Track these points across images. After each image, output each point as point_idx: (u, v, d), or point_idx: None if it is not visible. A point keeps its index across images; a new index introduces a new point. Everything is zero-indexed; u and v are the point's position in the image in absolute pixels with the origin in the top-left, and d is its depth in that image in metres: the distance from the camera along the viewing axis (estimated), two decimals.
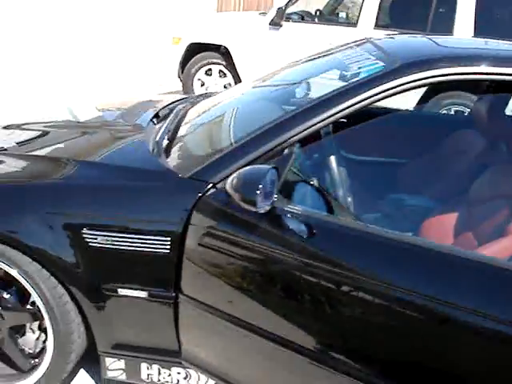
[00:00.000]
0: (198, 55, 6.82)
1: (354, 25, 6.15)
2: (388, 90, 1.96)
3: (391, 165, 2.88)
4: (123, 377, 2.20)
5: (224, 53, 6.69)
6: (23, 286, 2.10)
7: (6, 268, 2.06)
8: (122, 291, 2.04)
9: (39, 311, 2.11)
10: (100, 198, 2.04)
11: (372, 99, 1.97)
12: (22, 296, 2.17)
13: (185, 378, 2.16)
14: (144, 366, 2.16)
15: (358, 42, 2.89)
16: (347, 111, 1.96)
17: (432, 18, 5.87)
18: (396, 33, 5.82)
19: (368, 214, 2.40)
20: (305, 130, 1.96)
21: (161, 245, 1.96)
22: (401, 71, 1.98)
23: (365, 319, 1.73)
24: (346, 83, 2.08)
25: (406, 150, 2.86)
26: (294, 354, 1.82)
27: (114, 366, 2.18)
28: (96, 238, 2.00)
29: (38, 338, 2.24)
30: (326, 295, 1.76)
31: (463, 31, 5.72)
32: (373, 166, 2.87)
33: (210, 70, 6.87)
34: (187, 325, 2.04)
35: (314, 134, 2.04)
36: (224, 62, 6.74)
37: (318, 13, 6.82)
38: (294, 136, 1.96)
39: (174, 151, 2.25)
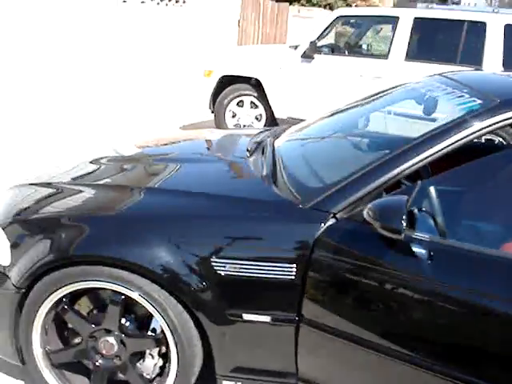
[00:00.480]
0: (230, 87, 7.01)
1: (385, 57, 6.35)
2: (489, 126, 2.12)
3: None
4: None
5: (255, 85, 6.88)
6: (145, 313, 2.21)
7: (135, 296, 2.17)
8: (246, 316, 2.14)
9: (163, 337, 2.21)
10: (227, 229, 2.16)
11: (474, 135, 2.12)
12: (141, 323, 2.27)
13: None
14: None
15: (429, 78, 3.05)
16: (454, 145, 2.11)
17: (462, 51, 6.09)
18: (429, 65, 6.06)
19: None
20: (419, 162, 2.10)
21: (286, 272, 2.08)
22: (501, 108, 2.14)
23: (496, 341, 1.85)
24: (449, 120, 2.23)
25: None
26: (417, 371, 1.93)
27: None
28: (224, 266, 2.11)
29: (155, 364, 2.32)
30: (457, 318, 1.88)
31: (492, 64, 5.94)
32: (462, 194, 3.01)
33: (241, 101, 7.05)
34: (306, 346, 2.14)
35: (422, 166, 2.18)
36: (255, 94, 6.93)
37: (346, 45, 7.03)
38: (410, 168, 2.10)
39: (284, 182, 2.38)
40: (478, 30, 5.99)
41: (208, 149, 3.27)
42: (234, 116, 7.12)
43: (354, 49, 6.89)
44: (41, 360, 2.30)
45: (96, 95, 6.65)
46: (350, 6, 18.17)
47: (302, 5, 16.12)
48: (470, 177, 2.88)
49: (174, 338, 2.18)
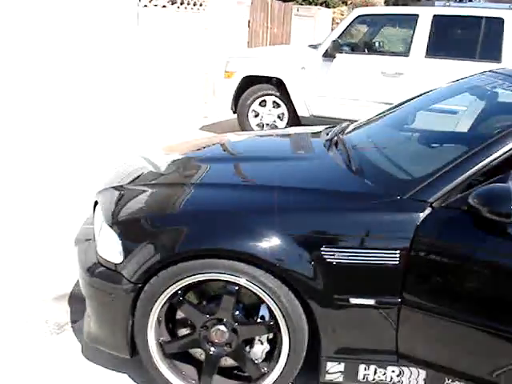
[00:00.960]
0: (253, 87, 7.18)
1: (406, 54, 6.55)
2: None
3: None
4: (340, 379, 2.46)
5: (277, 84, 7.06)
6: (254, 302, 2.38)
7: (251, 286, 2.33)
8: (353, 300, 2.32)
9: (273, 323, 2.38)
10: (334, 220, 2.34)
11: None
12: (251, 311, 2.44)
13: (398, 375, 2.43)
14: (362, 367, 2.42)
15: (481, 76, 3.24)
16: None
17: (480, 47, 6.31)
18: (449, 61, 6.25)
19: None
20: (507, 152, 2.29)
21: (391, 258, 2.26)
22: None
23: None
24: None
25: None
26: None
27: (334, 370, 2.44)
28: (333, 255, 2.29)
29: (263, 349, 2.48)
30: None
31: (511, 59, 6.15)
32: None
33: (264, 101, 7.23)
34: (407, 325, 2.32)
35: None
36: (278, 93, 7.11)
37: (366, 44, 7.21)
38: (498, 158, 2.28)
39: (376, 175, 2.56)
40: (495, 26, 6.21)
41: (273, 147, 3.44)
42: (256, 116, 7.29)
43: (374, 47, 7.09)
44: (155, 351, 2.45)
45: (117, 99, 6.77)
46: (346, 3, 18.43)
47: (299, 3, 16.33)
48: None
49: (286, 324, 2.35)
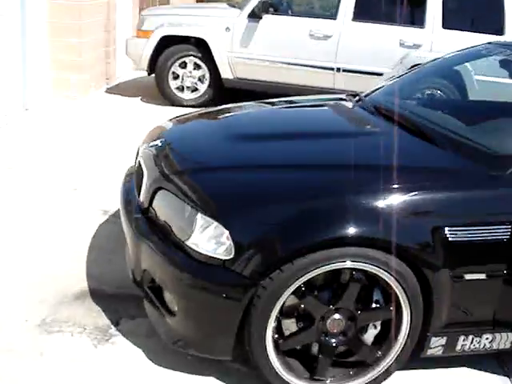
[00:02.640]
0: (172, 48, 6.75)
1: (334, 17, 6.55)
2: None
3: None
4: (440, 352, 2.46)
5: (198, 45, 6.70)
6: (371, 287, 2.27)
7: (379, 272, 2.21)
8: (467, 276, 2.30)
9: (395, 306, 2.29)
10: (452, 198, 2.30)
11: None
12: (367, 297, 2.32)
13: (490, 342, 2.48)
14: (461, 338, 2.44)
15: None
16: None
17: (404, 12, 6.50)
18: (375, 25, 6.38)
19: None
20: None
21: (503, 233, 2.28)
22: None
23: None
24: None
25: None
26: None
27: (436, 344, 2.43)
28: (456, 234, 2.24)
29: (376, 333, 2.38)
30: None
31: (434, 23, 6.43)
32: None
33: (184, 62, 6.83)
34: (507, 294, 2.37)
35: None
36: (199, 55, 6.76)
37: (294, 5, 7.08)
38: None
39: (467, 150, 2.53)
40: None
41: (323, 122, 3.21)
42: (176, 78, 6.89)
43: (302, 9, 6.99)
44: (271, 350, 2.24)
45: None
46: None
47: None
48: None
49: (409, 305, 2.28)
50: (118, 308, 2.82)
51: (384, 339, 2.37)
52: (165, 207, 2.44)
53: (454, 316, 2.38)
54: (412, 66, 6.41)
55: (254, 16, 6.55)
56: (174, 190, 2.42)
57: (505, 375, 2.65)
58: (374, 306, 2.32)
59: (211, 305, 2.20)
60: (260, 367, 2.26)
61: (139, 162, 2.79)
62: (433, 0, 6.39)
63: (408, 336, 2.34)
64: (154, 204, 2.50)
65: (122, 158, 4.41)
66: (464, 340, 2.46)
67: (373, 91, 3.55)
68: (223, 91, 6.95)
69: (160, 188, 2.49)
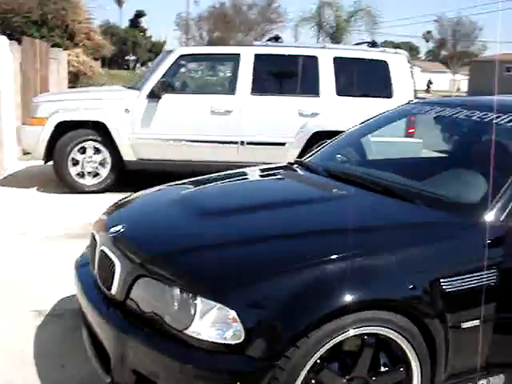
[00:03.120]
0: (69, 133, 6.48)
1: (232, 92, 6.67)
2: None
3: None
4: None
5: (96, 129, 6.50)
6: (378, 350, 2.19)
7: (392, 335, 2.15)
8: (464, 325, 2.30)
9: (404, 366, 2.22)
10: (440, 252, 2.33)
11: None
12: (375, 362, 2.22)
13: None
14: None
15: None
16: None
17: (300, 82, 6.82)
18: (273, 97, 6.60)
19: None
20: None
21: (490, 277, 2.34)
22: None
23: None
24: None
25: None
26: None
27: None
28: (451, 284, 2.26)
29: None
30: None
31: (327, 92, 6.77)
32: None
33: (83, 147, 6.57)
34: (499, 337, 2.41)
35: None
36: (98, 138, 6.55)
37: (192, 83, 7.12)
38: None
39: (437, 202, 2.60)
40: (311, 63, 6.78)
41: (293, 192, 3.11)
42: (75, 164, 6.59)
43: (201, 86, 7.04)
44: None
45: None
46: (78, 44, 17.85)
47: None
48: None
49: (419, 363, 2.22)
50: None
51: None
52: (150, 297, 2.21)
53: (456, 366, 2.36)
54: (313, 134, 6.73)
55: (154, 96, 6.50)
56: (158, 276, 2.21)
57: None
58: (383, 369, 2.23)
59: None
60: None
61: (102, 251, 2.54)
62: (325, 70, 6.73)
63: None
64: (134, 295, 2.27)
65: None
66: None
67: (310, 158, 3.62)
68: (126, 174, 6.75)
69: (139, 277, 2.27)
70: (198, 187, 3.10)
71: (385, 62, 6.89)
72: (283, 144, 6.80)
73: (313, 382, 2.09)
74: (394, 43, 63.72)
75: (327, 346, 2.04)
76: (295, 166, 3.48)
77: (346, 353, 2.14)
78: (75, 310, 3.46)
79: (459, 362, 2.36)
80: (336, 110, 6.80)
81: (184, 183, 3.28)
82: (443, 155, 3.46)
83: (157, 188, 3.33)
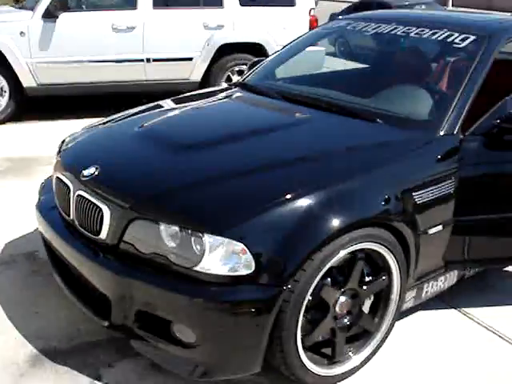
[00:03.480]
0: None
1: (134, 7, 6.34)
2: None
3: None
4: (411, 303, 2.73)
5: None
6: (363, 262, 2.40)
7: (379, 247, 2.36)
8: (430, 231, 2.56)
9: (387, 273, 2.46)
10: (413, 167, 2.55)
11: None
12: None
13: (443, 282, 2.83)
14: (425, 286, 2.73)
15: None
16: None
17: None
18: (175, 10, 6.36)
19: None
20: None
21: (450, 186, 2.59)
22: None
23: None
24: None
25: None
26: None
27: (409, 297, 2.68)
28: (421, 196, 2.48)
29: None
30: None
31: (231, 3, 6.64)
32: None
33: None
34: (456, 237, 2.70)
35: None
36: None
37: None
38: None
39: (399, 121, 2.78)
40: None
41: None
42: None
43: (100, 2, 6.58)
44: (301, 348, 2.23)
45: None
46: None
47: None
48: None
49: (399, 269, 2.46)
50: (87, 360, 2.52)
51: (377, 307, 2.52)
52: (149, 238, 2.22)
53: (424, 268, 2.64)
54: (220, 47, 6.63)
55: (50, 16, 6.02)
56: (155, 217, 2.22)
57: (451, 307, 3.02)
58: (370, 279, 2.44)
59: (239, 324, 2.10)
60: (292, 367, 2.25)
61: (80, 196, 2.46)
62: None
63: (399, 297, 2.53)
64: (128, 238, 2.27)
65: None
66: (427, 287, 2.75)
67: (249, 78, 3.63)
68: (27, 102, 6.35)
69: (132, 220, 2.26)
70: (153, 118, 3.02)
71: None
72: (190, 59, 6.66)
73: (311, 299, 2.26)
74: None
75: (328, 266, 2.19)
76: (239, 88, 3.48)
77: (340, 270, 2.32)
78: (26, 253, 3.39)
79: (426, 263, 2.63)
80: (241, 21, 6.73)
81: (131, 114, 3.19)
82: (380, 70, 3.56)
83: (104, 121, 3.22)
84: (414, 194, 2.45)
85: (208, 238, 2.10)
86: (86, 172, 2.51)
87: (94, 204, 2.38)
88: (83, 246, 2.42)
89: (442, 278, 2.82)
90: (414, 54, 3.33)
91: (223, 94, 3.41)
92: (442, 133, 2.65)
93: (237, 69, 6.85)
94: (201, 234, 2.11)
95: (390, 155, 2.54)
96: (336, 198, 2.25)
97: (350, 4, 13.05)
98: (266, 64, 3.77)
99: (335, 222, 2.17)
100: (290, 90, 3.25)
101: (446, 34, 3.10)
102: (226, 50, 6.71)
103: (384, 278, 2.46)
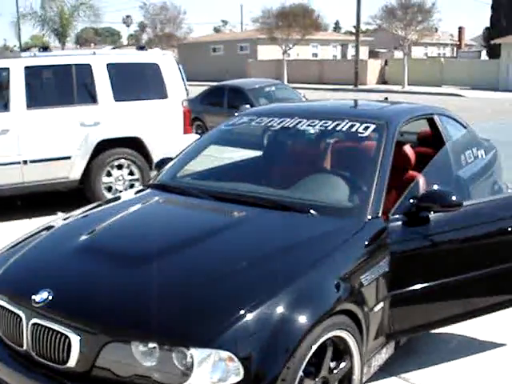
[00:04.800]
0: None
1: (7, 109, 6.13)
2: None
3: None
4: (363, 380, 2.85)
5: None
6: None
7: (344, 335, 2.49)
8: (375, 308, 2.78)
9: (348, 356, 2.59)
10: (352, 257, 2.74)
11: None
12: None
13: (385, 353, 3.03)
14: (373, 360, 2.89)
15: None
16: None
17: (76, 92, 6.55)
18: (51, 109, 6.27)
19: None
20: None
21: (385, 265, 2.83)
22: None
23: None
24: None
25: None
26: None
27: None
28: (366, 278, 2.70)
29: None
30: None
31: (104, 99, 6.68)
32: None
33: None
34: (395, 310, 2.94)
35: None
36: None
37: None
38: None
39: (322, 210, 3.00)
40: (84, 71, 6.57)
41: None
42: None
43: None
44: None
45: None
46: None
47: None
48: None
49: (359, 350, 2.61)
50: None
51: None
52: (127, 360, 2.14)
53: (371, 345, 2.81)
54: (98, 143, 6.59)
55: None
56: (132, 338, 2.15)
57: (391, 375, 3.22)
58: (335, 365, 2.54)
59: None
60: None
61: (37, 325, 2.31)
62: (100, 77, 6.60)
63: (360, 376, 2.68)
64: (102, 363, 2.17)
65: None
66: (374, 361, 2.92)
67: (160, 178, 3.69)
68: None
69: (106, 343, 2.17)
70: (89, 226, 2.94)
71: (156, 64, 7.04)
72: (69, 157, 6.53)
73: None
74: (95, 29, 63.23)
75: (307, 359, 2.28)
76: (154, 189, 3.51)
77: (313, 361, 2.40)
78: None
79: (373, 339, 2.81)
80: (116, 117, 6.76)
81: (63, 225, 3.09)
82: (295, 162, 3.78)
83: (36, 232, 3.07)
84: (360, 277, 2.64)
85: (195, 352, 2.09)
86: (37, 298, 2.37)
87: (58, 332, 2.26)
88: (45, 377, 2.26)
89: (384, 349, 3.00)
90: (324, 145, 3.63)
91: (148, 198, 3.40)
92: (369, 217, 2.89)
93: (116, 163, 6.82)
94: (185, 349, 2.09)
95: (331, 246, 2.69)
96: (298, 297, 2.35)
97: (205, 88, 13.55)
98: (176, 163, 3.84)
99: (305, 319, 2.27)
100: (216, 189, 3.35)
101: (349, 125, 3.43)
102: (104, 146, 6.67)
103: (346, 360, 2.58)
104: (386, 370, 3.22)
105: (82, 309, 2.32)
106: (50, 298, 2.36)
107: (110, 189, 6.83)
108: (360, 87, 30.73)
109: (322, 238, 2.76)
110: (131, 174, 6.91)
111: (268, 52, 39.44)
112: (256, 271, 2.46)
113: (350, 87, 30.52)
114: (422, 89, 27.23)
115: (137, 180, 6.93)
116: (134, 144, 6.83)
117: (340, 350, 2.56)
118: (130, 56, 7.10)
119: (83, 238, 2.80)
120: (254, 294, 2.29)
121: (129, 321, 2.23)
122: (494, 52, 34.19)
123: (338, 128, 3.44)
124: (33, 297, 2.38)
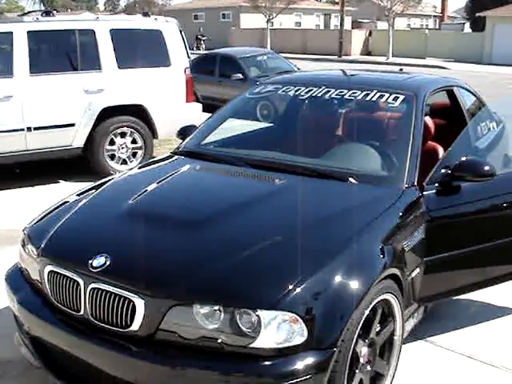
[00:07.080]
0: None
1: (10, 74, 6.02)
2: None
3: None
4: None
5: None
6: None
7: (388, 297, 2.57)
8: (413, 273, 2.87)
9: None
10: (398, 222, 2.79)
11: None
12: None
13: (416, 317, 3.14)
14: (406, 324, 2.96)
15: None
16: None
17: (80, 58, 6.45)
18: (54, 76, 6.18)
19: None
20: None
21: (421, 231, 2.93)
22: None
23: None
24: None
25: None
26: None
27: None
28: (407, 244, 2.77)
29: None
30: None
31: (109, 66, 6.59)
32: None
33: None
34: (429, 275, 3.04)
35: None
36: None
37: None
38: None
39: (369, 179, 3.06)
40: (88, 37, 6.47)
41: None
42: None
43: None
44: None
45: None
46: None
47: None
48: None
49: (401, 313, 2.71)
50: None
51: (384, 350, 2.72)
52: (193, 322, 2.19)
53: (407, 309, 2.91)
54: (102, 110, 6.53)
55: None
56: (198, 301, 2.20)
57: (418, 339, 3.34)
58: (381, 327, 2.63)
59: None
60: None
61: (97, 289, 2.35)
62: (104, 43, 6.50)
63: (401, 338, 2.78)
64: (167, 326, 2.22)
65: None
66: (407, 325, 3.00)
67: (188, 145, 3.70)
68: None
69: (171, 307, 2.22)
70: (130, 192, 2.94)
71: (159, 31, 6.95)
72: (73, 125, 6.47)
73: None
74: None
75: (362, 321, 2.36)
76: (185, 157, 3.52)
77: (365, 324, 2.48)
78: None
79: (409, 303, 2.91)
80: (120, 84, 6.69)
81: (101, 192, 3.10)
82: (329, 132, 3.79)
83: (76, 196, 3.09)
84: (402, 243, 2.72)
85: (262, 314, 2.14)
86: (94, 263, 2.39)
87: (120, 296, 2.29)
88: (105, 341, 2.30)
89: (416, 313, 3.10)
90: (354, 115, 3.66)
91: (181, 165, 3.39)
92: (406, 185, 2.96)
93: (119, 131, 6.77)
94: (252, 311, 2.15)
95: (374, 213, 2.74)
96: (352, 263, 2.41)
97: (196, 57, 13.39)
98: (202, 129, 3.84)
99: (361, 284, 2.34)
100: (250, 156, 3.37)
101: (379, 95, 3.47)
102: (107, 114, 6.61)
103: (390, 323, 2.67)
104: (412, 334, 3.33)
105: (145, 273, 2.34)
106: (108, 262, 2.38)
107: (112, 157, 6.80)
108: (344, 58, 30.67)
109: (364, 205, 2.81)
110: (134, 142, 6.89)
111: (251, 20, 39.05)
112: (309, 237, 2.51)
113: (334, 57, 30.44)
114: (406, 60, 27.22)
115: (139, 148, 6.91)
116: (138, 112, 6.78)
117: (385, 314, 2.65)
118: (133, 22, 6.99)
119: (129, 202, 2.82)
120: (312, 259, 2.35)
121: (193, 284, 2.27)
122: (477, 25, 34.30)
123: (368, 98, 3.48)
124: (90, 261, 2.40)
